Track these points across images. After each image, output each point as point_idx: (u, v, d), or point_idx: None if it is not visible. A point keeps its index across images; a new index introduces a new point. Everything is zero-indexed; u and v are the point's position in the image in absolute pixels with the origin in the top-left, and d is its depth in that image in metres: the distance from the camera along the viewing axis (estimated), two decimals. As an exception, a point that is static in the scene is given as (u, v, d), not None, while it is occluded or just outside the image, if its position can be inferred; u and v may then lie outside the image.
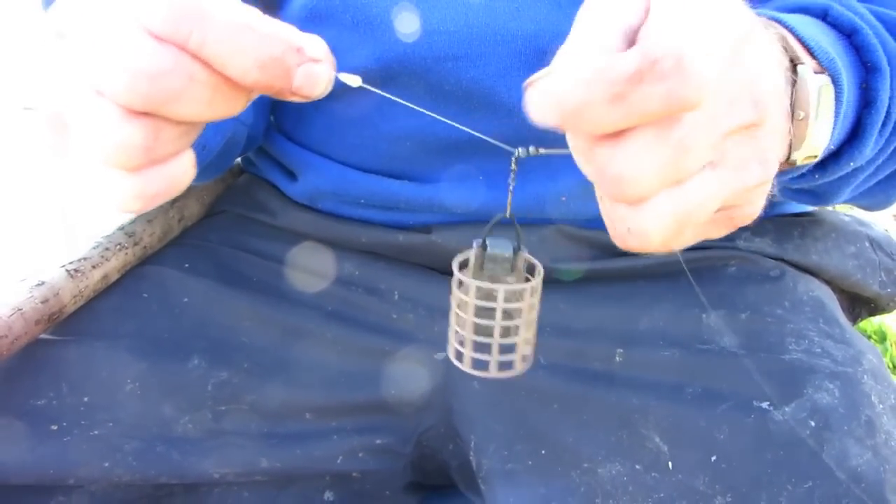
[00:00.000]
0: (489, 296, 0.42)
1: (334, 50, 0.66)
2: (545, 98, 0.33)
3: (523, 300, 0.42)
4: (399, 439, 0.67)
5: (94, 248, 0.67)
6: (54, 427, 0.61)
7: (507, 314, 0.42)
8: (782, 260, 0.70)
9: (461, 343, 0.43)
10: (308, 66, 0.35)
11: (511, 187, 0.44)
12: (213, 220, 0.80)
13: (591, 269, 0.68)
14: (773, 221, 0.72)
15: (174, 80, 0.34)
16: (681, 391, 0.60)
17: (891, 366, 1.59)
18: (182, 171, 0.38)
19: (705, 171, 0.35)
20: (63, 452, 0.60)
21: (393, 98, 0.44)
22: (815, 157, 0.46)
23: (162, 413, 0.63)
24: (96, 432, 0.61)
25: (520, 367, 0.44)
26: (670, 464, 0.58)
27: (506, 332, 0.42)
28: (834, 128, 0.47)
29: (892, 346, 1.65)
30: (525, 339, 0.43)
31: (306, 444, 0.65)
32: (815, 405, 0.57)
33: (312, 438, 0.66)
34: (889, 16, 0.54)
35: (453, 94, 0.63)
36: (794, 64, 0.44)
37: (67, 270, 0.64)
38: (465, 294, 0.42)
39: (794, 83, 0.44)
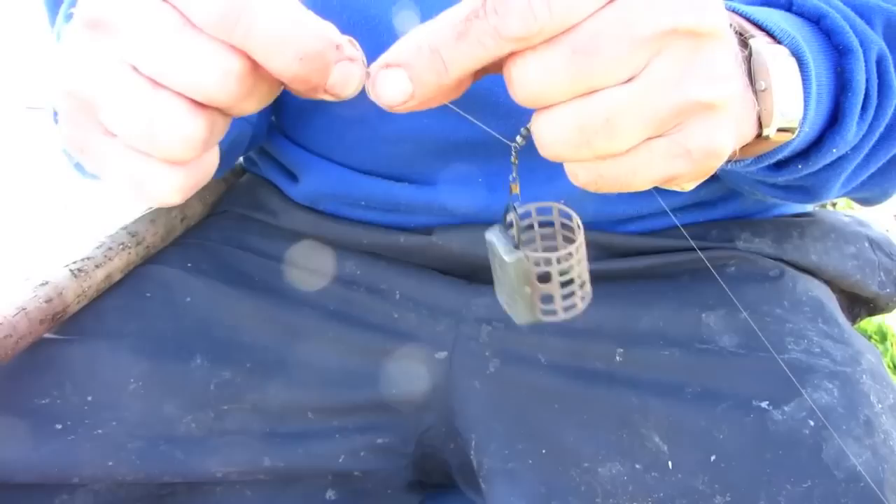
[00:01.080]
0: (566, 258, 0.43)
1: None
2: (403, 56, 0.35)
3: (578, 253, 0.43)
4: (400, 438, 0.68)
5: (97, 247, 0.67)
6: (58, 426, 0.61)
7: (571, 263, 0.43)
8: (781, 260, 0.70)
9: (549, 301, 0.44)
10: (344, 65, 0.35)
11: (513, 177, 0.44)
12: (216, 219, 0.80)
13: (592, 269, 0.68)
14: (773, 222, 0.73)
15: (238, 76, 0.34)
16: (680, 391, 0.61)
17: (891, 365, 1.59)
18: (214, 161, 0.39)
19: (621, 84, 0.34)
20: (67, 451, 0.61)
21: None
22: (791, 130, 0.45)
23: (165, 412, 0.63)
24: (100, 431, 0.62)
25: (589, 291, 0.45)
26: (670, 463, 0.58)
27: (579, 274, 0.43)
28: (807, 105, 0.46)
29: (892, 345, 1.65)
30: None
31: (308, 443, 0.66)
32: (814, 405, 0.57)
33: (314, 437, 0.66)
34: (858, 0, 0.53)
35: None
36: (744, 40, 0.44)
37: (71, 270, 0.64)
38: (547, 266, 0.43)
39: (748, 60, 0.43)
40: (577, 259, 0.43)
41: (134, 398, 0.63)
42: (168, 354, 0.65)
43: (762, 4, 0.53)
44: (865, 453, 0.55)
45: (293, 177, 0.76)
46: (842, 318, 0.67)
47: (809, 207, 0.77)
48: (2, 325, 0.57)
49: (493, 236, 0.44)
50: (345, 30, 0.64)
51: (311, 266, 0.73)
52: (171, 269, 0.71)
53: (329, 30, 0.35)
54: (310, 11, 0.36)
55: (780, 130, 0.44)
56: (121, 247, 0.69)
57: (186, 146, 0.35)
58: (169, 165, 0.36)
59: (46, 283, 0.62)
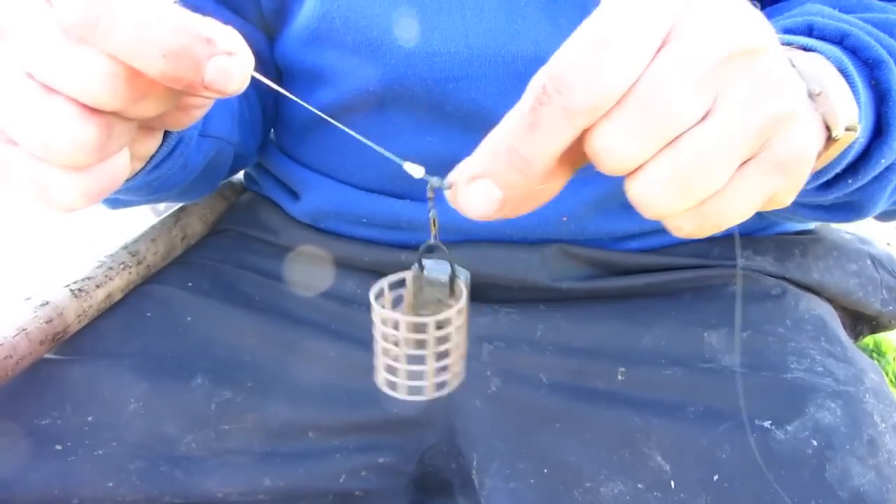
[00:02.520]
0: (419, 328, 0.41)
1: (337, 71, 0.68)
2: (481, 167, 0.35)
3: (451, 325, 0.42)
4: (402, 458, 0.67)
5: (97, 267, 0.68)
6: (58, 447, 0.61)
7: (439, 339, 0.42)
8: (784, 278, 0.70)
9: (392, 373, 0.43)
10: (220, 59, 0.34)
11: (431, 215, 0.43)
12: (216, 238, 0.80)
13: (593, 287, 0.69)
14: (775, 240, 0.73)
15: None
16: (682, 410, 0.61)
17: (892, 380, 1.59)
18: (123, 167, 0.38)
19: (701, 122, 0.34)
20: (67, 472, 0.60)
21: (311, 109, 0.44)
22: (854, 129, 0.44)
23: (166, 432, 0.63)
24: (100, 452, 0.61)
25: (454, 384, 0.44)
26: (672, 483, 0.58)
27: (440, 356, 0.42)
28: (859, 112, 0.46)
29: (894, 360, 1.65)
30: (457, 358, 0.43)
31: (309, 462, 0.65)
32: (817, 424, 0.57)
33: (315, 457, 0.66)
34: (877, 17, 0.53)
35: (454, 114, 0.64)
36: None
37: (72, 290, 0.64)
38: (393, 328, 0.42)
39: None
40: (455, 328, 0.42)
41: (134, 418, 0.63)
42: (168, 374, 0.65)
43: (781, 31, 0.53)
44: (869, 473, 0.55)
45: (294, 194, 0.76)
46: (844, 336, 0.67)
47: (812, 225, 0.77)
48: (2, 345, 0.57)
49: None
50: (349, 50, 0.65)
51: (311, 284, 0.73)
52: (172, 289, 0.71)
53: (196, 23, 0.34)
54: (177, 6, 0.35)
55: (846, 130, 0.44)
56: (121, 266, 0.69)
57: (80, 151, 0.35)
58: (70, 171, 0.36)
59: (47, 303, 0.62)
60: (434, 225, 0.43)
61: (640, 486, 0.58)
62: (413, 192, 0.70)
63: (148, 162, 0.50)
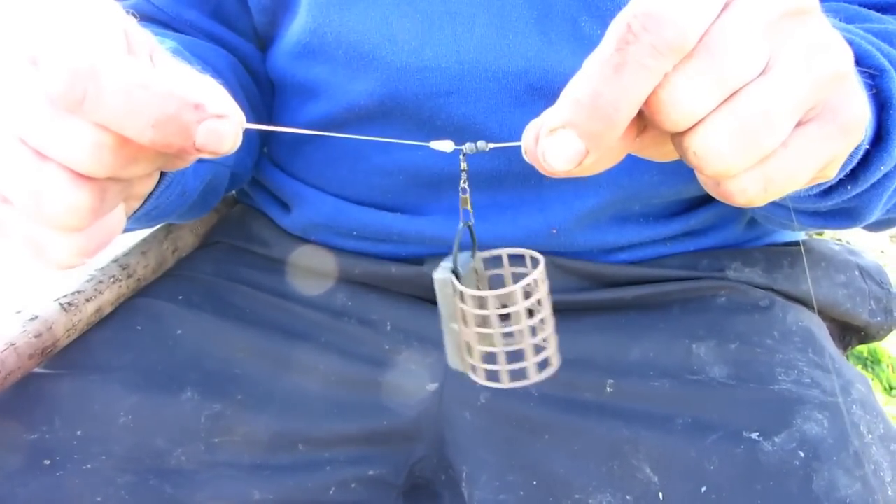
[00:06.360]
0: (506, 300, 0.40)
1: (328, 86, 0.68)
2: (566, 118, 0.34)
3: (538, 292, 0.41)
4: (392, 470, 0.67)
5: (87, 280, 0.68)
6: (47, 461, 0.61)
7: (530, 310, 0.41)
8: (772, 290, 0.70)
9: (491, 361, 0.41)
10: (210, 123, 0.34)
11: (464, 184, 0.43)
12: (207, 251, 0.80)
13: (582, 299, 0.69)
14: (763, 251, 0.73)
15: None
16: (671, 422, 0.61)
17: (886, 388, 1.59)
18: (118, 221, 0.39)
19: (760, 77, 0.34)
20: (56, 487, 0.60)
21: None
22: (861, 132, 0.43)
23: (155, 446, 0.63)
24: (89, 466, 0.61)
25: (556, 363, 0.42)
26: (661, 494, 0.58)
27: (533, 331, 0.41)
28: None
29: (888, 368, 1.65)
30: (552, 332, 0.42)
31: (299, 475, 0.65)
32: (805, 436, 0.57)
33: (305, 470, 0.66)
34: (877, 28, 0.54)
35: (445, 129, 0.64)
36: None
37: (61, 304, 0.64)
38: (479, 308, 0.40)
39: None
40: (520, 306, 0.40)
41: (124, 432, 0.63)
42: (159, 387, 0.65)
43: None
44: (856, 484, 0.55)
45: (285, 207, 0.76)
46: (832, 347, 0.67)
47: (801, 236, 0.78)
48: (-9, 360, 0.57)
49: (448, 262, 0.43)
50: (341, 65, 0.65)
51: (302, 296, 0.73)
52: (162, 302, 0.71)
53: (185, 88, 0.34)
54: (167, 66, 0.35)
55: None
56: (112, 280, 0.69)
57: (73, 216, 0.35)
58: (64, 232, 0.36)
59: (36, 317, 0.62)
60: (467, 203, 0.43)
61: (628, 497, 0.58)
62: (404, 205, 0.70)
63: (146, 199, 0.50)
